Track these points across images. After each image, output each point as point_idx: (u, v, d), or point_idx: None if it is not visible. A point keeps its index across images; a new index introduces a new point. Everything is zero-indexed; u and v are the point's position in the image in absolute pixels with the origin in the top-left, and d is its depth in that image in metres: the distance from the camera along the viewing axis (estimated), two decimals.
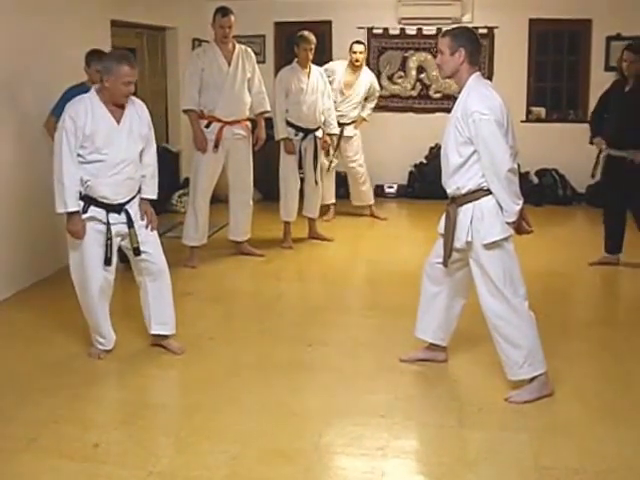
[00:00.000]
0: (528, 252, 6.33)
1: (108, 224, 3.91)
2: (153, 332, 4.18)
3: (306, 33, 6.52)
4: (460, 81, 3.52)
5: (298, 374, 3.93)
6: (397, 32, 9.02)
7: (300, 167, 6.64)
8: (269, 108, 6.34)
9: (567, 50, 8.95)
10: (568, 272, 5.88)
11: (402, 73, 9.14)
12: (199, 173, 5.98)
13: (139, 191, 4.04)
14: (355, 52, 7.44)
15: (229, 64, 5.92)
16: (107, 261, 3.95)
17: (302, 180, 6.75)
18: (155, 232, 4.10)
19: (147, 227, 4.03)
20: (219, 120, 5.91)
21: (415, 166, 9.11)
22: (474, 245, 3.51)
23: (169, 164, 8.29)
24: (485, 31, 8.73)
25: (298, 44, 6.49)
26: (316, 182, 6.78)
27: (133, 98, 3.99)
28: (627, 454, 3.09)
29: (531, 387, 3.59)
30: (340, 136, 7.33)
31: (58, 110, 5.31)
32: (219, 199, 6.81)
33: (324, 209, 7.39)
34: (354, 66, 7.48)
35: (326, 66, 7.36)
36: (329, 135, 6.89)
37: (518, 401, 3.55)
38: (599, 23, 8.56)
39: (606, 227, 5.92)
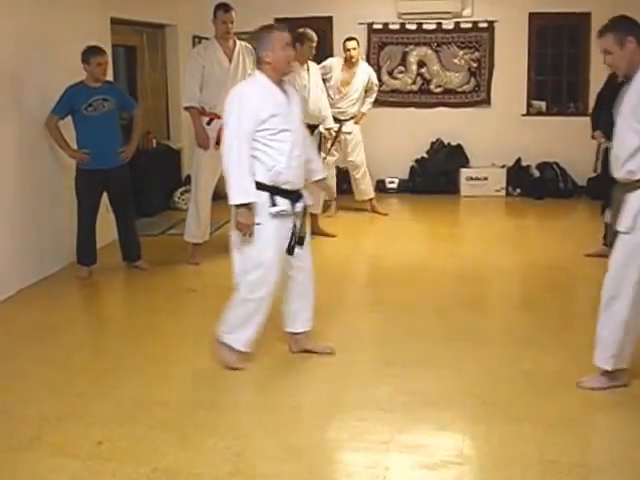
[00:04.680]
0: (530, 245, 6.38)
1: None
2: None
3: (309, 30, 6.49)
4: (636, 67, 3.38)
5: (301, 369, 3.94)
6: (397, 27, 9.01)
7: None
8: None
9: (567, 43, 8.94)
10: (569, 265, 5.88)
11: (402, 68, 9.12)
12: (201, 170, 5.99)
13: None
14: (349, 49, 7.43)
15: (230, 61, 5.92)
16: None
17: None
18: None
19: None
20: (220, 117, 5.89)
21: (416, 161, 9.10)
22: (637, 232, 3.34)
23: (170, 161, 8.31)
24: (485, 25, 8.77)
25: (302, 41, 6.43)
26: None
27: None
28: (629, 447, 3.09)
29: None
30: (339, 132, 7.32)
31: (59, 109, 5.34)
32: (221, 196, 6.80)
33: (326, 205, 7.39)
34: (350, 62, 7.47)
35: (323, 63, 7.33)
36: (327, 129, 6.86)
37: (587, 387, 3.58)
38: (598, 16, 8.50)
39: None
